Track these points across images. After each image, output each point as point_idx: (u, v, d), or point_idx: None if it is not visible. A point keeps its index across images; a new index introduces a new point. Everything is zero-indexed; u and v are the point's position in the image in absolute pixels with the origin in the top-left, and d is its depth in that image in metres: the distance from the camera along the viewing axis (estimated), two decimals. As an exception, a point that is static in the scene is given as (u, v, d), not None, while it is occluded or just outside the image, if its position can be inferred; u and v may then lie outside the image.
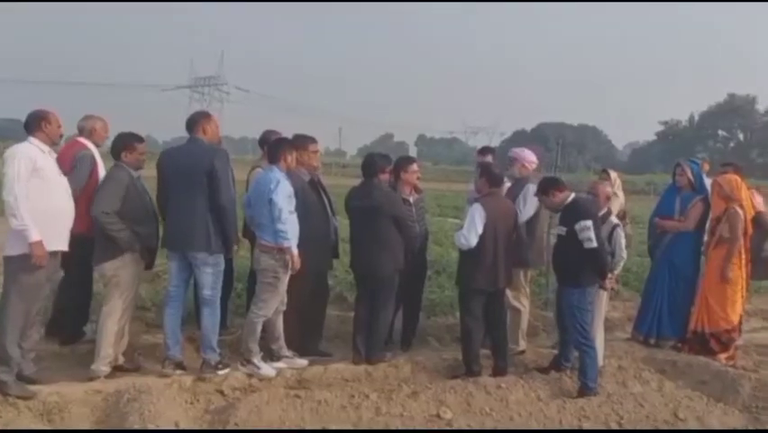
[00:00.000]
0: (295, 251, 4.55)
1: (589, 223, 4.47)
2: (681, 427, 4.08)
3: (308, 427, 3.79)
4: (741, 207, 5.58)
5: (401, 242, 5.02)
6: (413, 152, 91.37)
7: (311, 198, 5.03)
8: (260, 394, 4.16)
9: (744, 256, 5.63)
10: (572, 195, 4.71)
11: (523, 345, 5.53)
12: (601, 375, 4.73)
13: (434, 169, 56.50)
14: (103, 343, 4.41)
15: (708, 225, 5.84)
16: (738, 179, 5.82)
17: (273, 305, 4.67)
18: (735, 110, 68.39)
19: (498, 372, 4.84)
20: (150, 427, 3.65)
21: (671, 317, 5.92)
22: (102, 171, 4.82)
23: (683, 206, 5.96)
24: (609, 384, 4.70)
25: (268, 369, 4.63)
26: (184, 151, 4.66)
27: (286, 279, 4.65)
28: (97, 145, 5.03)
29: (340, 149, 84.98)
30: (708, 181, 6.03)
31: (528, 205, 5.34)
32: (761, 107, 69.70)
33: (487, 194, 4.88)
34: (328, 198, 5.27)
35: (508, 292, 5.25)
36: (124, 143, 4.56)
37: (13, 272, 4.03)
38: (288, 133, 5.21)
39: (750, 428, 4.08)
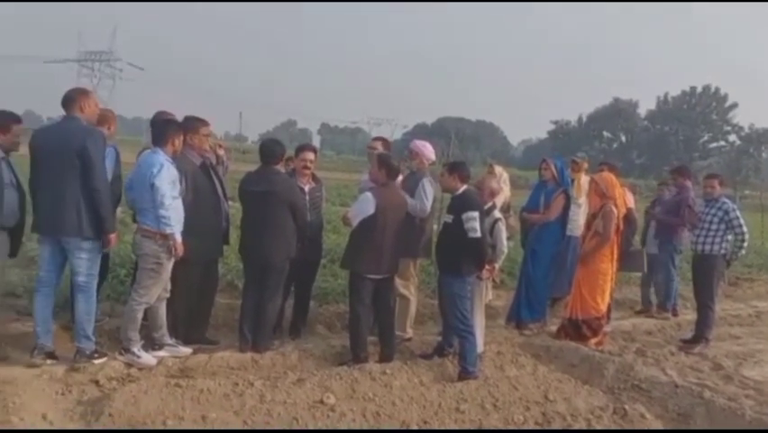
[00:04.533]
0: (178, 238, 4.41)
1: (476, 214, 4.67)
2: (550, 407, 4.36)
3: (188, 416, 3.70)
4: (615, 205, 5.95)
5: (295, 229, 4.99)
6: (316, 141, 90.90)
7: (202, 184, 4.87)
8: (137, 384, 4.01)
9: (615, 251, 6.05)
10: (465, 186, 4.90)
11: (410, 332, 5.68)
12: (481, 360, 4.96)
13: (337, 159, 56.42)
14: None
15: (569, 218, 6.37)
16: (613, 177, 6.24)
17: (155, 292, 4.50)
18: (618, 113, 73.45)
19: (384, 358, 4.93)
20: (14, 419, 3.44)
21: (527, 301, 6.36)
22: None
23: (547, 199, 6.40)
24: (488, 368, 4.93)
25: (148, 358, 4.48)
26: (56, 130, 4.39)
27: (169, 265, 4.50)
28: None
29: (240, 134, 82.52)
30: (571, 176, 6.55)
31: (430, 198, 5.50)
32: (642, 111, 75.51)
33: (382, 184, 4.96)
34: (221, 183, 5.13)
35: (398, 281, 5.35)
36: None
37: None
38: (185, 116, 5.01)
39: (611, 405, 4.41)
